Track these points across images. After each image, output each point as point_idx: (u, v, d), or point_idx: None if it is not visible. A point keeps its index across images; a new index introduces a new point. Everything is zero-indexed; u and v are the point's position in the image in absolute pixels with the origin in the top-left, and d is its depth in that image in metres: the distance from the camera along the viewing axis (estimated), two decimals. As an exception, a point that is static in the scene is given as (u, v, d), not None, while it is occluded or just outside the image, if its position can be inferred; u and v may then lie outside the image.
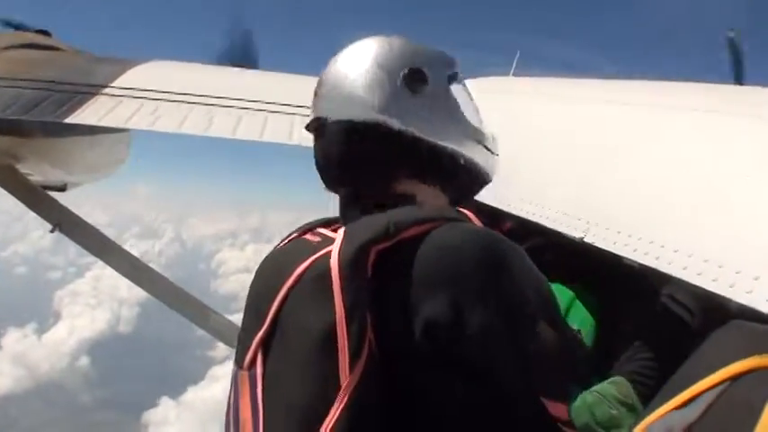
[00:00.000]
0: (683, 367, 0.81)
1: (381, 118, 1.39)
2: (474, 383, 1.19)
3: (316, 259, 1.24)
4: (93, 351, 78.35)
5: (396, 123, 1.39)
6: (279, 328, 1.27)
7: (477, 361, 1.18)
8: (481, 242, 1.25)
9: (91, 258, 5.12)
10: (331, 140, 1.43)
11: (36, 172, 4.62)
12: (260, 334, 1.28)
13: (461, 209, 1.37)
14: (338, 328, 1.14)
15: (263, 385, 1.25)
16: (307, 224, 1.50)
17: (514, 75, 5.26)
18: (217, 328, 4.89)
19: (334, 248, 1.22)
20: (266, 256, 1.49)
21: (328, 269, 1.19)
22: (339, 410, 1.11)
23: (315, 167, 1.51)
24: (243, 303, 1.46)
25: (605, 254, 1.69)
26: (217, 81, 3.83)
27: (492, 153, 1.57)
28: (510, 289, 1.22)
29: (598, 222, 1.76)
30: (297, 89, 3.80)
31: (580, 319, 1.76)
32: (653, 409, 0.77)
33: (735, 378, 0.67)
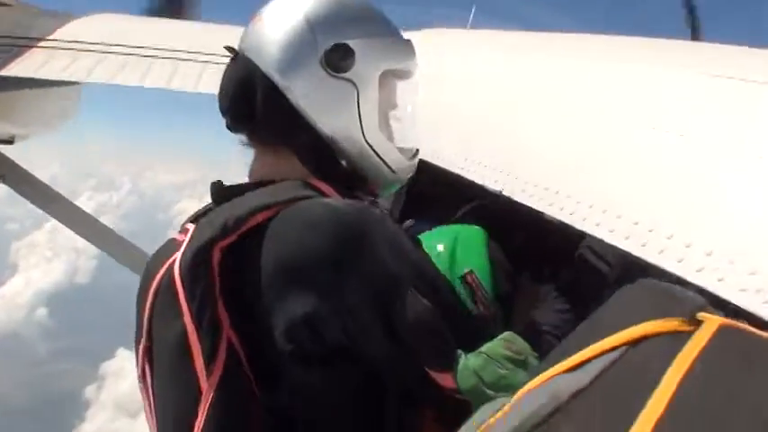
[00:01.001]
0: (579, 328, 0.73)
1: (283, 84, 1.28)
2: (348, 367, 1.15)
3: (169, 265, 1.21)
4: (51, 302, 77.33)
5: (295, 98, 1.28)
6: (153, 338, 1.25)
7: (348, 348, 1.14)
8: (330, 220, 1.15)
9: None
10: (231, 75, 1.36)
11: (-21, 125, 4.55)
12: (141, 345, 1.27)
13: (315, 182, 1.27)
14: (189, 336, 1.12)
15: (153, 397, 1.25)
16: (191, 215, 1.39)
17: (471, 28, 5.26)
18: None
19: (179, 253, 1.19)
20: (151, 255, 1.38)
21: (173, 276, 1.17)
22: (203, 419, 1.10)
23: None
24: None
25: (528, 210, 1.62)
26: (155, 32, 3.78)
27: (389, 169, 1.40)
28: (372, 266, 1.14)
29: (518, 176, 1.71)
30: (237, 40, 3.81)
31: (467, 260, 1.66)
32: (539, 373, 0.69)
33: (633, 343, 0.61)
